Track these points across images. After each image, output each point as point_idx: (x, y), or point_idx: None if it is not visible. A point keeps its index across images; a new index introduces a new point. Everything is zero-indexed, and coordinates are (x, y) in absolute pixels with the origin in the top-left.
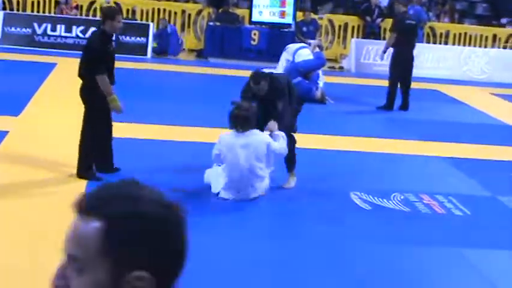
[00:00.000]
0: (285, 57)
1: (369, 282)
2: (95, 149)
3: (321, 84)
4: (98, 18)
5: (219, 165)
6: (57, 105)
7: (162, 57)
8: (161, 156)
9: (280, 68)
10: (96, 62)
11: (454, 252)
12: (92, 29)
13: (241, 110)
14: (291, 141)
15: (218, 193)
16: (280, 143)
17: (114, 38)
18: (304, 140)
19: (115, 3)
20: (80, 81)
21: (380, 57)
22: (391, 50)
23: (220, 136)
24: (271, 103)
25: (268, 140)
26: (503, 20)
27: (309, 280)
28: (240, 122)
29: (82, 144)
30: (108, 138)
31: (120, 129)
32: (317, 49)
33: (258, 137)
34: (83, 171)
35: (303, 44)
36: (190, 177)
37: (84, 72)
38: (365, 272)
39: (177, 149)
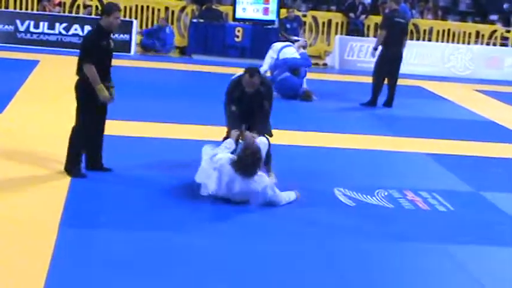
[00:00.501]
0: (270, 55)
1: (353, 278)
2: (85, 146)
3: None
4: (81, 15)
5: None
6: (40, 102)
7: (147, 54)
8: (150, 154)
9: (266, 64)
10: (85, 52)
11: (438, 249)
12: (75, 26)
13: (248, 157)
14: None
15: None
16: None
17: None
18: (289, 137)
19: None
20: (63, 79)
21: (371, 54)
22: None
23: (221, 164)
24: (258, 102)
25: (269, 192)
26: (493, 17)
27: (292, 277)
28: (243, 170)
29: (72, 140)
30: (99, 136)
31: (106, 127)
32: (302, 50)
33: (259, 186)
34: (71, 167)
35: (288, 43)
36: (179, 175)
37: (79, 68)
38: (349, 269)
39: (164, 146)
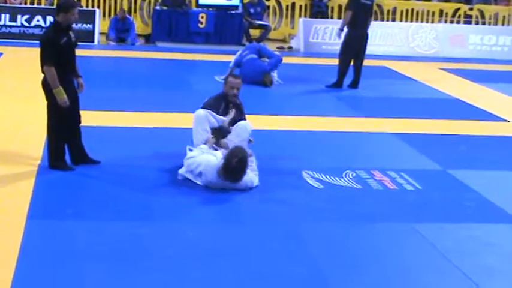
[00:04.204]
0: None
1: (323, 260)
2: (64, 139)
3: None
4: (42, 6)
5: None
6: (5, 95)
7: (110, 44)
8: (116, 143)
9: (233, 61)
10: (44, 53)
11: (406, 227)
12: (37, 17)
13: (238, 161)
14: None
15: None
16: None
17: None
18: (255, 121)
19: None
20: (27, 71)
21: (337, 35)
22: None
23: (204, 163)
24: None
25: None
26: None
27: (261, 260)
28: (233, 177)
29: (49, 136)
30: (75, 128)
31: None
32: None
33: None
34: (56, 162)
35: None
36: (147, 164)
37: (41, 64)
38: (318, 251)
39: (131, 135)
